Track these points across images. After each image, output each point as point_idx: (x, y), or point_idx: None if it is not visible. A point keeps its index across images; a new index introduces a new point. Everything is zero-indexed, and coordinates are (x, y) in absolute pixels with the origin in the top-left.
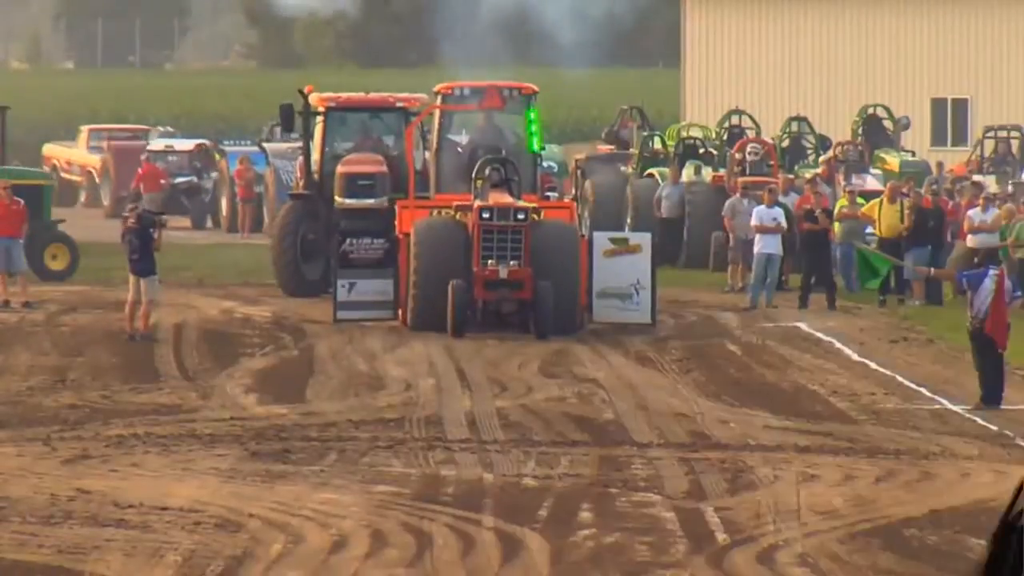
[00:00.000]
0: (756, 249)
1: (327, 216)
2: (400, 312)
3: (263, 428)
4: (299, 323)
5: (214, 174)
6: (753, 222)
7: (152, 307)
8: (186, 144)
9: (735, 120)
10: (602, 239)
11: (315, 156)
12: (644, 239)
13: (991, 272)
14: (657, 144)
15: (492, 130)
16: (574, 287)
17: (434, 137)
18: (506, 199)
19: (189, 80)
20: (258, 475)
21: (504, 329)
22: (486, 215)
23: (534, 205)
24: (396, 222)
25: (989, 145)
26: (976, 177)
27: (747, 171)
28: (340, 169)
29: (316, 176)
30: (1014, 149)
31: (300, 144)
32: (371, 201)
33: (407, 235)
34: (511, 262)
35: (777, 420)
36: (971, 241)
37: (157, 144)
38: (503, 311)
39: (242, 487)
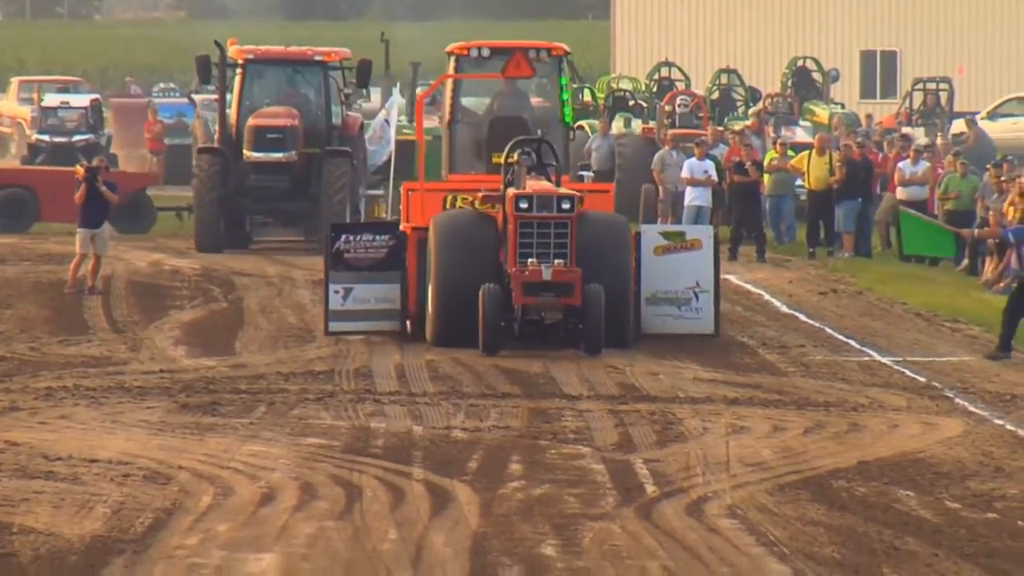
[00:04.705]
0: (686, 201)
1: (241, 171)
2: (408, 323)
3: (192, 380)
4: (228, 275)
5: (107, 130)
6: (684, 174)
7: (79, 259)
8: (82, 100)
9: (665, 72)
10: (652, 234)
11: (231, 110)
12: (704, 233)
13: None
14: (587, 96)
15: (514, 97)
16: (626, 292)
17: (447, 105)
18: (546, 186)
19: (118, 31)
20: (187, 427)
21: (546, 345)
22: (524, 205)
23: (580, 194)
24: (402, 207)
25: (918, 97)
26: (905, 129)
27: (677, 123)
28: (250, 122)
29: (232, 130)
30: (942, 101)
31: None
32: (280, 155)
33: (417, 230)
34: (555, 261)
35: (706, 372)
36: (901, 193)
37: (52, 100)
38: (546, 321)
39: (171, 439)
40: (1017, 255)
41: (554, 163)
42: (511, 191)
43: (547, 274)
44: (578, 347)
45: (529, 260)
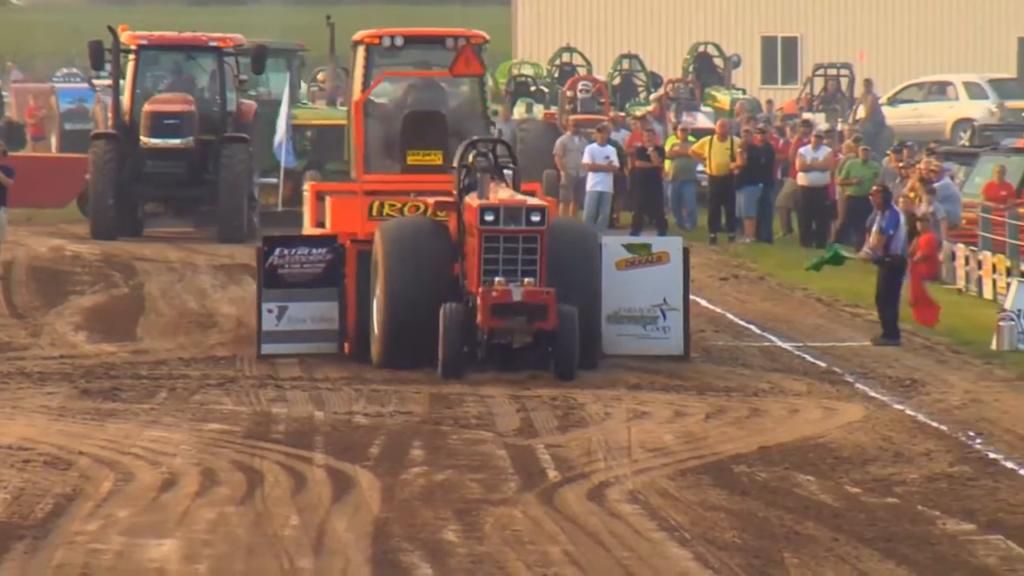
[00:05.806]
0: (588, 187)
1: (136, 158)
2: (347, 344)
3: (93, 366)
4: (129, 261)
5: (8, 114)
6: (585, 160)
7: None
8: None
9: (566, 58)
10: (615, 246)
11: (125, 96)
12: (672, 245)
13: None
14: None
15: (430, 90)
16: (596, 310)
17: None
18: (513, 196)
19: (16, 16)
20: (88, 413)
21: (514, 368)
22: (489, 218)
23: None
24: (307, 208)
25: (819, 83)
26: (806, 115)
27: (578, 109)
28: (146, 108)
29: (127, 116)
30: (843, 87)
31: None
32: (177, 141)
33: (355, 243)
34: (524, 280)
35: (608, 358)
36: (802, 179)
37: None
38: (514, 345)
39: (72, 425)
40: (886, 238)
41: (514, 166)
42: (475, 202)
43: (517, 294)
44: (548, 370)
45: (496, 279)
